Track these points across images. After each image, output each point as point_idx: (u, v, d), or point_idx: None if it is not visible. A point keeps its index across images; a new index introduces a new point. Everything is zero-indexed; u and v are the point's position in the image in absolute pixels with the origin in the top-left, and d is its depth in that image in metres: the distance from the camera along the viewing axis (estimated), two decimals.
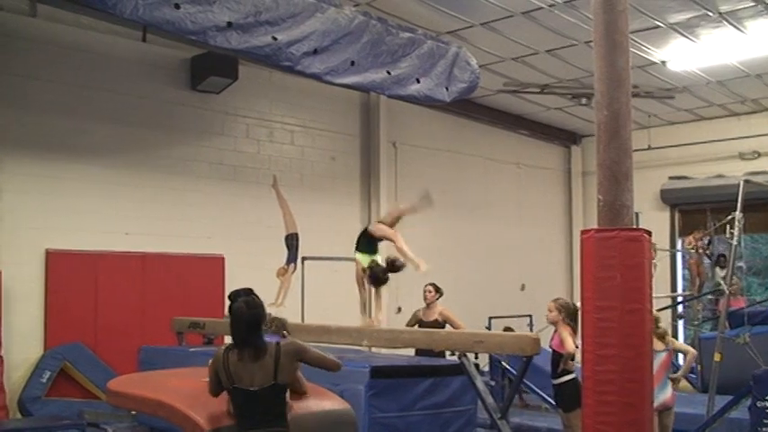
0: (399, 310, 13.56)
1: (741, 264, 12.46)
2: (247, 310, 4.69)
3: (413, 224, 14.57)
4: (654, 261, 6.87)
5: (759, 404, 7.49)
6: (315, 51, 9.29)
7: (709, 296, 14.34)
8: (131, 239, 11.16)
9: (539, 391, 9.80)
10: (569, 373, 7.45)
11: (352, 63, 9.74)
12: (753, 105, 15.87)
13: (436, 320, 9.55)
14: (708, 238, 14.96)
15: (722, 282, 10.20)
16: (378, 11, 10.64)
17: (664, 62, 13.01)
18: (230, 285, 6.93)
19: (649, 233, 5.57)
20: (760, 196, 11.65)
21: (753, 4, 10.59)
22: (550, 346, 7.58)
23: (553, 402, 8.36)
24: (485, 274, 15.77)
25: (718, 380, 9.01)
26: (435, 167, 15.35)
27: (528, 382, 9.43)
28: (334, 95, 13.10)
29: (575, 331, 7.34)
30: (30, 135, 10.46)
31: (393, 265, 7.50)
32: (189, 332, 9.78)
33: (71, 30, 10.86)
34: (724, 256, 13.15)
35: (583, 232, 5.67)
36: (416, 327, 9.60)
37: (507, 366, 10.42)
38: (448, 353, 8.22)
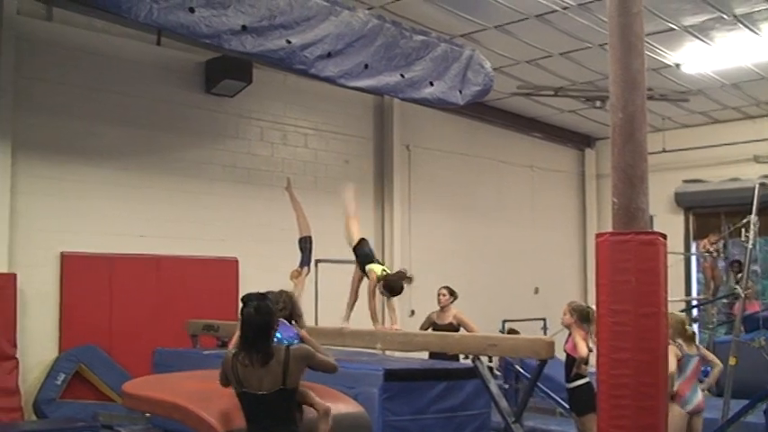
0: (413, 313, 13.54)
1: (756, 267, 12.40)
2: (256, 316, 4.70)
3: (428, 228, 14.70)
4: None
5: None
6: (329, 54, 9.30)
7: (724, 300, 14.26)
8: (145, 242, 11.20)
9: (553, 395, 9.77)
10: (582, 377, 7.44)
11: (366, 66, 9.75)
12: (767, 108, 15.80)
13: (450, 324, 9.55)
14: (723, 241, 14.88)
15: (737, 285, 10.13)
16: (392, 14, 10.65)
17: (678, 65, 12.96)
18: (244, 288, 6.96)
19: (664, 236, 5.55)
20: None
21: None
22: (565, 350, 7.57)
23: (567, 406, 8.34)
24: (498, 277, 15.74)
25: (734, 384, 8.97)
26: (449, 170, 15.34)
27: (542, 386, 9.40)
28: (348, 98, 13.10)
29: (589, 335, 7.33)
30: (45, 138, 10.51)
31: (406, 276, 7.61)
32: (203, 335, 9.80)
33: (86, 33, 10.91)
34: (739, 261, 13.09)
35: (598, 235, 5.66)
36: (430, 330, 9.60)
37: (521, 370, 10.39)
38: (462, 356, 8.23)
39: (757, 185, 9.54)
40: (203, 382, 5.86)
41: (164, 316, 10.97)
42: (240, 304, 4.87)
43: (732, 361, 8.98)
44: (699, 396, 7.43)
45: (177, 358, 8.92)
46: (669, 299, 5.61)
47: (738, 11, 10.76)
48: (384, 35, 9.87)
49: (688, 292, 16.74)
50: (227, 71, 11.71)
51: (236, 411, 4.91)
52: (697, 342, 7.74)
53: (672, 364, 7.17)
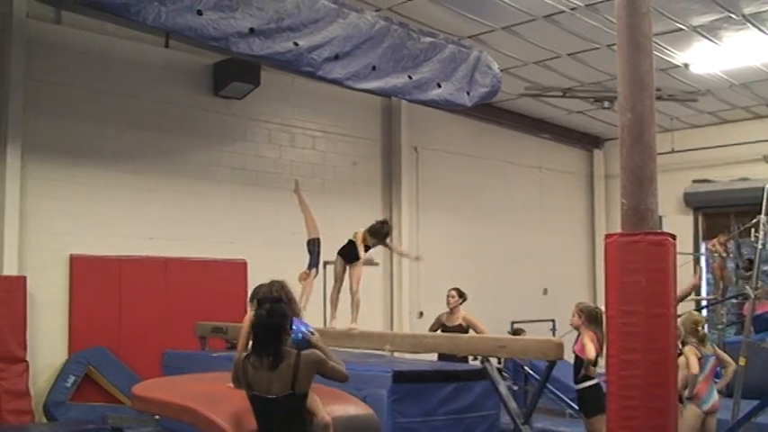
0: (421, 314, 13.55)
1: (766, 267, 12.35)
2: (268, 319, 4.69)
3: (436, 229, 14.69)
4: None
5: None
6: (336, 57, 9.31)
7: (734, 300, 14.21)
8: (154, 244, 11.22)
9: (562, 396, 9.76)
10: (590, 378, 7.43)
11: (374, 68, 9.75)
12: None
13: (460, 325, 9.54)
14: (733, 241, 14.82)
15: (747, 286, 10.10)
16: (399, 16, 10.66)
17: (687, 65, 12.93)
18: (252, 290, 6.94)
19: (674, 237, 5.54)
20: None
21: None
22: (573, 351, 7.55)
23: (576, 407, 8.32)
24: (507, 278, 15.73)
25: (744, 384, 8.94)
26: (457, 172, 15.34)
27: (551, 387, 9.39)
28: (356, 100, 13.11)
29: (598, 336, 7.31)
30: (54, 140, 10.55)
31: (385, 221, 8.48)
32: (212, 337, 9.81)
33: (95, 36, 10.95)
34: (751, 260, 13.03)
35: (607, 236, 5.65)
36: (439, 331, 9.60)
37: (530, 371, 10.38)
38: (471, 357, 8.23)
39: (767, 185, 9.49)
40: (213, 385, 5.87)
41: (172, 318, 11.00)
42: (255, 303, 4.88)
43: (742, 361, 8.94)
44: (715, 396, 7.46)
45: (186, 360, 8.94)
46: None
47: (747, 10, 10.72)
48: (391, 37, 9.87)
49: (697, 292, 16.67)
50: (234, 73, 11.74)
51: (246, 413, 4.91)
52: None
53: (694, 366, 7.18)
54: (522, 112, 16.18)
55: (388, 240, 8.51)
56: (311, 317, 7.70)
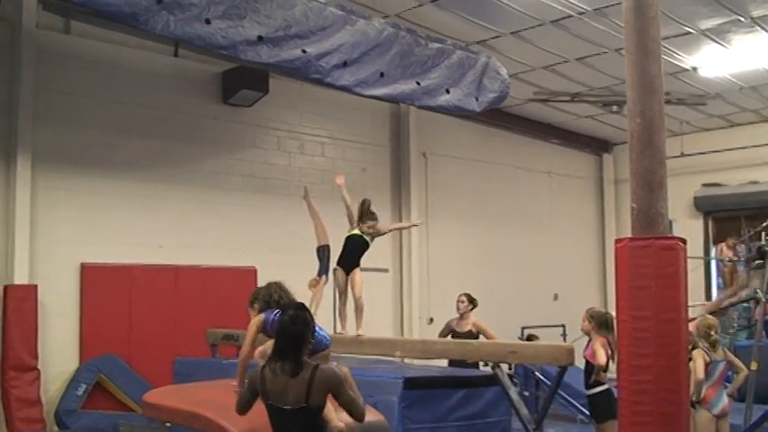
0: (431, 320, 13.53)
1: None
2: (290, 326, 4.61)
3: (445, 235, 14.68)
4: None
5: None
6: (344, 63, 9.34)
7: (745, 304, 14.15)
8: (165, 252, 11.25)
9: (574, 401, 9.73)
10: (601, 384, 7.40)
11: (382, 74, 9.78)
12: None
13: (470, 331, 9.51)
14: (743, 245, 14.77)
15: (759, 290, 10.06)
16: (407, 22, 10.67)
17: (695, 68, 12.91)
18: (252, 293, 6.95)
19: (684, 241, 5.52)
20: None
21: None
22: (584, 357, 7.53)
23: (587, 413, 8.30)
24: (517, 283, 15.70)
25: (756, 388, 8.90)
26: (466, 177, 15.33)
27: (562, 393, 9.36)
28: (364, 107, 13.13)
29: (608, 341, 7.29)
30: (63, 149, 10.59)
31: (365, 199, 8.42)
32: (222, 344, 9.81)
33: (104, 46, 11.00)
34: (761, 249, 12.96)
35: (617, 241, 5.63)
36: (449, 337, 9.58)
37: (540, 377, 10.35)
38: (481, 363, 8.21)
39: None
40: (224, 392, 5.87)
41: (183, 326, 11.01)
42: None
43: (754, 366, 8.90)
44: (724, 400, 7.44)
45: (197, 368, 8.94)
46: (689, 303, 5.58)
47: (756, 13, 10.71)
48: (399, 43, 9.90)
49: (708, 296, 16.62)
50: (243, 81, 11.77)
51: (257, 421, 4.90)
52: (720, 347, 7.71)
53: (700, 371, 7.16)
54: (531, 117, 16.18)
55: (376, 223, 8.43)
56: (321, 324, 7.72)
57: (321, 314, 9.33)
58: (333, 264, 8.75)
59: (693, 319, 7.93)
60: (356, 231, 8.28)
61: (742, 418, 8.75)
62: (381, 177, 14.17)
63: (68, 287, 10.51)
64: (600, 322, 7.43)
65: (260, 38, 8.54)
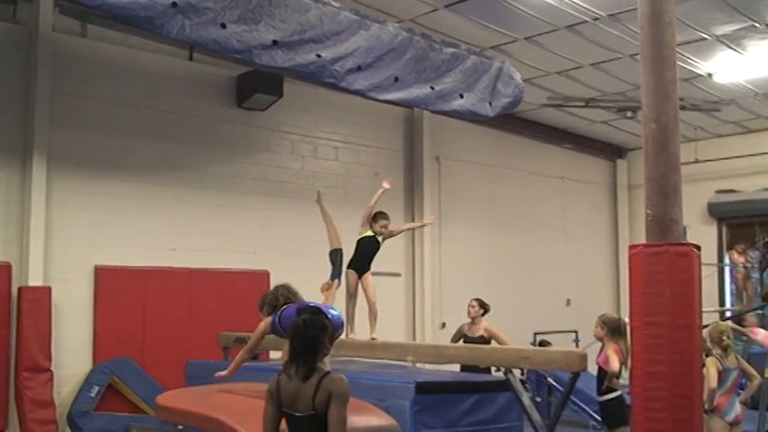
0: (444, 325, 13.51)
1: None
2: (304, 329, 4.51)
3: (458, 240, 14.66)
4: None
5: None
6: (359, 68, 9.35)
7: (759, 311, 14.08)
8: (178, 255, 11.29)
9: (586, 407, 9.70)
10: (614, 390, 7.38)
11: (396, 79, 9.79)
12: None
13: (482, 336, 9.49)
14: (758, 251, 14.71)
15: None
16: (421, 27, 10.69)
17: (710, 74, 12.88)
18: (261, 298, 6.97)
19: (698, 247, 5.51)
20: None
21: None
22: (597, 363, 7.51)
23: (599, 419, 8.28)
24: (530, 289, 15.67)
25: None
26: (479, 182, 15.33)
27: (575, 399, 9.34)
28: (378, 111, 13.15)
29: (621, 348, 7.27)
30: (79, 152, 10.64)
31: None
32: (235, 347, 9.81)
33: (120, 49, 11.05)
34: None
35: (631, 247, 5.61)
36: (461, 342, 9.57)
37: (553, 383, 10.33)
38: (493, 369, 8.19)
39: None
40: (237, 395, 5.88)
41: (196, 328, 11.03)
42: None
43: (767, 373, 8.87)
44: (737, 407, 7.42)
45: (210, 371, 8.89)
46: (703, 310, 5.56)
47: None
48: (414, 48, 9.90)
49: (721, 302, 16.55)
50: (258, 85, 11.80)
51: None
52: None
53: (713, 380, 7.13)
54: (545, 123, 16.16)
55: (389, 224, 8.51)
56: None
57: None
58: (344, 268, 8.78)
59: (707, 325, 7.90)
60: (368, 232, 8.29)
61: (755, 426, 8.71)
62: (395, 182, 14.05)
63: (82, 289, 10.55)
64: (613, 328, 7.42)
65: (275, 42, 8.57)
